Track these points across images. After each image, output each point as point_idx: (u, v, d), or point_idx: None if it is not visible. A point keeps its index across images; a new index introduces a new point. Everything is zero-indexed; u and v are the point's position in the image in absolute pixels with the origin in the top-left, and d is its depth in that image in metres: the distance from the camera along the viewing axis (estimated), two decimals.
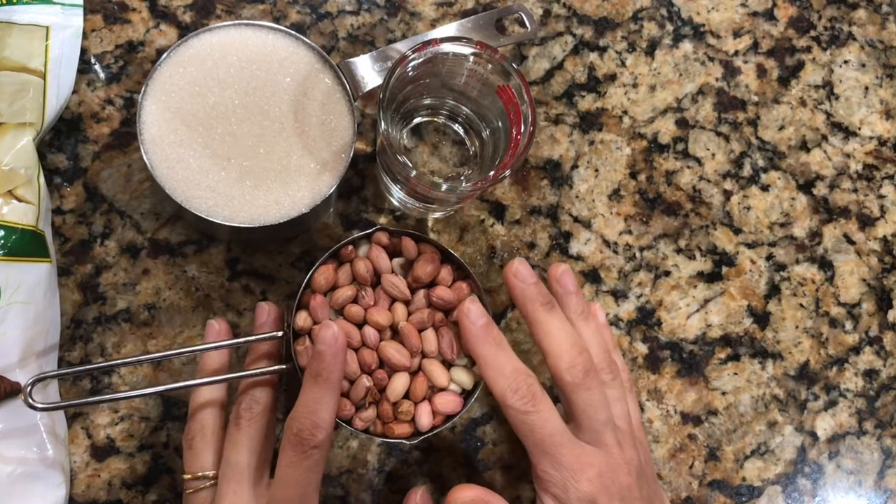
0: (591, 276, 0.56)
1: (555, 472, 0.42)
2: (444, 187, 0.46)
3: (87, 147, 0.53)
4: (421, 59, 0.46)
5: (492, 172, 0.47)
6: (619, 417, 0.45)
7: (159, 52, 0.55)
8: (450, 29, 0.54)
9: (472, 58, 0.47)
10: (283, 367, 0.47)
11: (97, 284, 0.52)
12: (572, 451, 0.43)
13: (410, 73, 0.47)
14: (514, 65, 0.46)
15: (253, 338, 0.48)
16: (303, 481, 0.42)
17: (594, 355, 0.45)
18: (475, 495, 0.43)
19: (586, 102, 0.58)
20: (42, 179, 0.50)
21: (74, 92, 0.53)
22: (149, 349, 0.52)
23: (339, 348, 0.42)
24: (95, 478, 0.50)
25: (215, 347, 0.49)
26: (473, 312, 0.44)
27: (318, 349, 0.42)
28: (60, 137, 0.53)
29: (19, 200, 0.48)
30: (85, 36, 0.54)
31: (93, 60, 0.54)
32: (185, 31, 0.55)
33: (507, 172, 0.45)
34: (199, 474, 0.45)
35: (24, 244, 0.48)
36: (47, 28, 0.52)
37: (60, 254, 0.52)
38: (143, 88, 0.48)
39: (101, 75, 0.54)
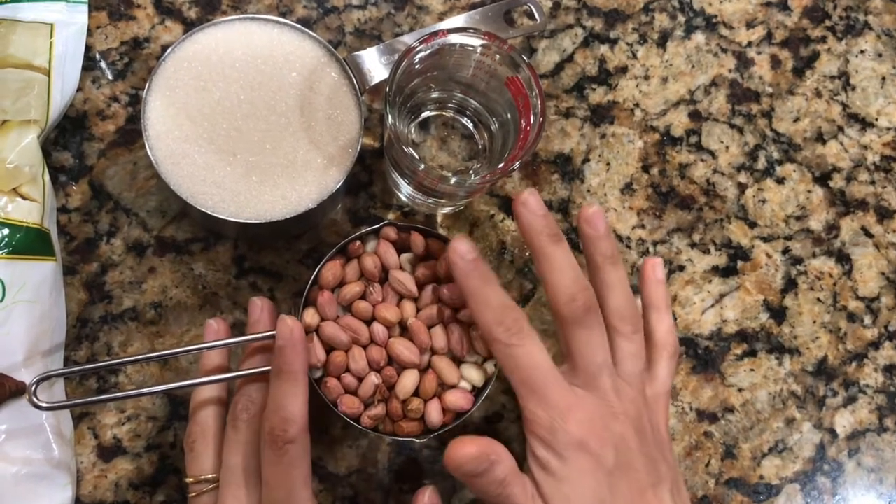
0: None
1: (542, 413, 0.40)
2: (452, 180, 0.45)
3: (92, 145, 0.53)
4: (428, 52, 0.46)
5: (501, 165, 0.46)
6: (627, 372, 0.43)
7: (164, 49, 0.54)
8: (458, 21, 0.53)
9: (480, 49, 0.46)
10: None
11: (103, 283, 0.51)
12: (560, 389, 0.41)
13: (417, 66, 0.47)
14: (522, 55, 0.45)
15: (259, 335, 0.47)
16: (286, 479, 0.41)
17: (616, 301, 0.43)
18: (478, 451, 0.40)
19: (597, 95, 0.57)
20: (47, 177, 0.50)
21: (79, 89, 0.53)
22: (156, 348, 0.51)
23: (296, 340, 0.42)
24: (102, 478, 0.49)
25: (222, 345, 0.49)
26: (462, 247, 0.42)
27: (277, 345, 0.42)
28: (66, 135, 0.53)
29: (24, 198, 0.48)
30: (90, 33, 0.54)
31: (98, 57, 0.54)
32: (190, 26, 0.55)
33: (517, 165, 0.44)
34: (202, 477, 0.44)
35: (29, 242, 0.47)
36: (52, 25, 0.51)
37: (66, 252, 0.51)
38: (147, 84, 0.47)
39: (107, 72, 0.54)
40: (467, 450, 0.40)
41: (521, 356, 0.41)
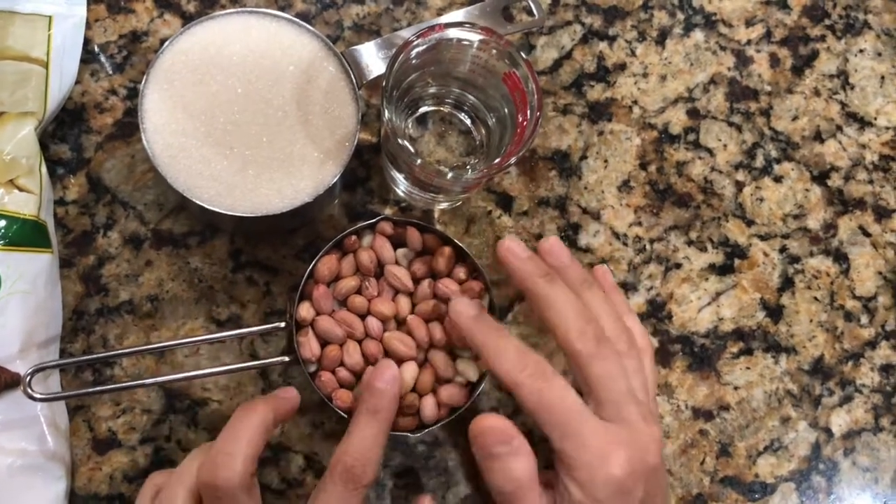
0: None
1: (579, 456, 0.39)
2: (448, 175, 0.45)
3: (90, 137, 0.53)
4: (425, 46, 0.46)
5: (497, 160, 0.46)
6: (638, 390, 0.42)
7: (163, 42, 0.54)
8: (456, 16, 0.53)
9: (477, 44, 0.46)
10: (286, 358, 0.46)
11: (100, 276, 0.51)
12: (596, 430, 0.40)
13: (414, 61, 0.47)
14: (519, 51, 0.45)
15: (255, 329, 0.48)
16: None
17: (605, 325, 0.43)
18: (504, 425, 0.40)
19: (595, 92, 0.57)
20: (44, 169, 0.50)
21: (78, 82, 0.53)
22: (151, 341, 0.51)
23: (398, 390, 0.43)
24: (97, 471, 0.50)
25: (217, 339, 0.49)
26: (462, 305, 0.42)
27: (379, 387, 0.42)
28: (63, 128, 0.53)
29: (20, 190, 0.48)
30: (88, 26, 0.54)
31: (96, 50, 0.54)
32: (189, 20, 0.55)
33: (513, 160, 0.44)
34: None
35: (26, 234, 0.47)
36: (50, 17, 0.51)
37: (63, 245, 0.51)
38: (144, 77, 0.47)
39: (105, 65, 0.54)
40: (492, 421, 0.40)
41: (553, 399, 0.40)
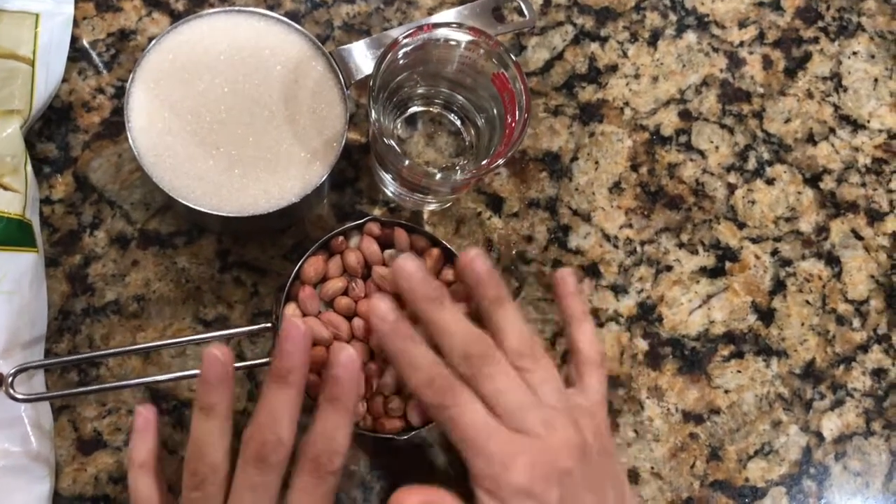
0: (591, 270, 0.55)
1: (485, 467, 0.39)
2: (437, 176, 0.45)
3: (77, 136, 0.53)
4: (412, 46, 0.45)
5: (485, 161, 0.45)
6: (548, 397, 0.42)
7: (151, 41, 0.54)
8: (447, 16, 0.52)
9: (465, 44, 0.46)
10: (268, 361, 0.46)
11: (86, 275, 0.51)
12: (499, 439, 0.40)
13: (402, 61, 0.46)
14: (508, 51, 0.45)
15: (241, 330, 0.47)
16: None
17: (510, 342, 0.42)
18: (421, 500, 0.40)
19: (587, 93, 0.57)
20: (29, 168, 0.49)
21: (65, 80, 0.53)
22: (137, 341, 0.51)
23: (355, 371, 0.41)
24: (82, 472, 0.49)
25: (204, 340, 0.48)
26: (381, 309, 0.41)
27: (335, 373, 0.41)
28: (50, 126, 0.52)
29: (5, 189, 0.47)
30: (76, 24, 0.54)
31: (84, 48, 0.54)
32: (177, 19, 0.54)
33: (501, 161, 0.44)
34: None
35: (10, 233, 0.47)
36: (37, 15, 0.51)
37: (49, 244, 0.51)
38: (131, 76, 0.47)
39: (93, 63, 0.54)
40: (411, 499, 0.40)
41: (456, 415, 0.40)
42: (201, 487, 0.41)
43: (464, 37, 0.46)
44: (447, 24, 0.45)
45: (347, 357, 0.41)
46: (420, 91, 0.51)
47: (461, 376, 0.41)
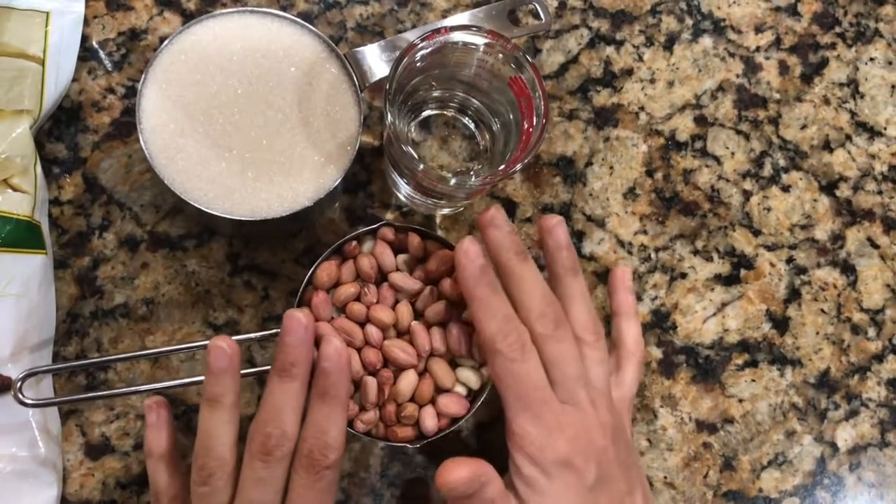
0: (605, 276, 0.54)
1: (533, 429, 0.40)
2: (452, 181, 0.44)
3: (86, 137, 0.52)
4: (429, 49, 0.45)
5: (502, 167, 0.45)
6: (596, 378, 0.43)
7: (162, 41, 0.53)
8: (461, 19, 0.52)
9: (482, 48, 0.45)
10: None
11: (94, 278, 0.51)
12: (552, 408, 0.41)
13: (419, 64, 0.46)
14: (526, 55, 0.44)
15: (253, 335, 0.47)
16: (317, 503, 0.40)
17: (578, 312, 0.44)
18: (471, 473, 0.40)
19: (602, 98, 0.56)
20: (39, 169, 0.49)
21: (75, 80, 0.52)
22: (146, 345, 0.50)
23: (343, 363, 0.41)
24: (89, 477, 0.49)
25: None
26: (472, 251, 0.42)
27: (323, 366, 0.41)
28: (60, 126, 0.52)
29: (14, 190, 0.47)
30: (87, 23, 0.53)
31: (94, 48, 0.53)
32: (189, 18, 0.54)
33: (518, 167, 0.43)
34: None
35: (19, 235, 0.46)
36: (47, 14, 0.50)
37: (57, 246, 0.50)
38: (143, 76, 0.46)
39: (103, 63, 0.53)
40: (460, 472, 0.40)
41: (521, 372, 0.41)
42: (209, 482, 0.41)
43: (481, 40, 0.45)
44: (464, 28, 0.45)
45: (334, 349, 0.41)
46: (435, 94, 0.50)
47: (531, 333, 0.42)
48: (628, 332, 0.49)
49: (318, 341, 0.44)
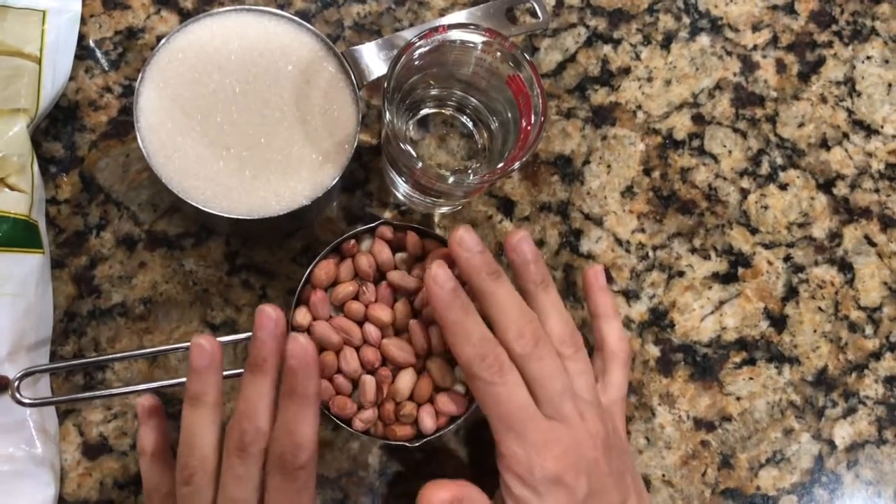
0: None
1: (519, 450, 0.40)
2: (450, 179, 0.44)
3: (83, 136, 0.52)
4: (427, 47, 0.45)
5: (500, 165, 0.45)
6: (582, 389, 0.43)
7: (160, 39, 0.53)
8: (458, 17, 0.52)
9: (480, 46, 0.45)
10: None
11: (92, 277, 0.50)
12: (538, 426, 0.41)
13: (417, 62, 0.46)
14: (524, 53, 0.44)
15: (249, 335, 0.46)
16: None
17: (553, 326, 0.43)
18: (451, 496, 0.40)
19: (599, 96, 0.56)
20: (36, 168, 0.49)
21: (72, 79, 0.52)
22: (144, 344, 0.50)
23: (310, 360, 0.40)
24: (87, 477, 0.48)
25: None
26: (441, 276, 0.41)
27: (289, 364, 0.40)
28: (57, 125, 0.52)
29: (11, 189, 0.47)
30: (83, 21, 0.53)
31: (91, 47, 0.53)
32: (186, 17, 0.54)
33: (517, 165, 0.43)
34: None
35: (16, 234, 0.46)
36: (44, 12, 0.50)
37: (55, 245, 0.50)
38: (140, 75, 0.46)
39: (100, 62, 0.53)
40: (441, 495, 0.40)
41: (502, 394, 0.40)
42: (191, 481, 0.41)
43: (479, 38, 0.45)
44: (462, 26, 0.45)
45: (299, 346, 0.40)
46: (433, 93, 0.50)
47: (511, 353, 0.41)
48: (609, 333, 0.48)
49: (326, 347, 0.44)
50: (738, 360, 0.54)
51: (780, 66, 0.58)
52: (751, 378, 0.54)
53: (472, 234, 0.43)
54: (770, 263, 0.55)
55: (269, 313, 0.41)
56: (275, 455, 0.39)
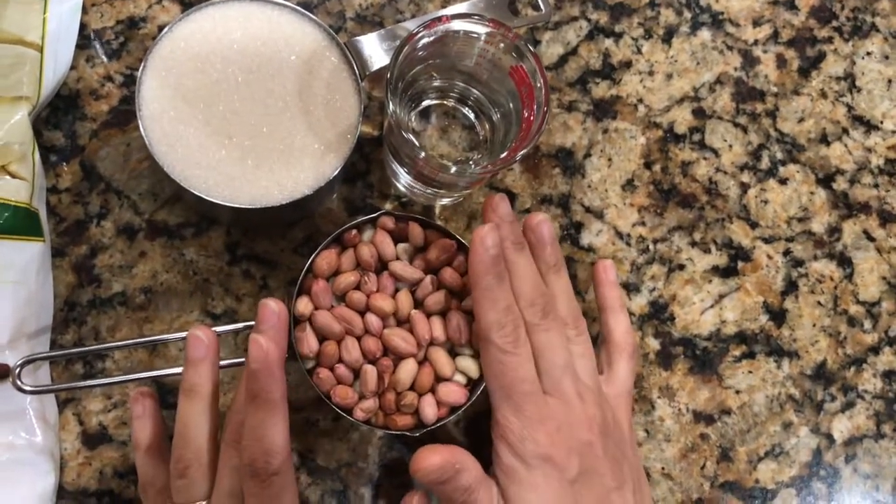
0: None
1: (514, 419, 0.41)
2: (452, 170, 0.44)
3: (84, 125, 0.52)
4: (430, 38, 0.45)
5: (503, 155, 0.45)
6: (582, 372, 0.44)
7: (161, 29, 0.53)
8: (461, 8, 0.52)
9: (484, 37, 0.45)
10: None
11: (92, 266, 0.50)
12: (536, 401, 0.41)
13: (419, 53, 0.46)
14: (528, 44, 0.44)
15: (251, 323, 0.46)
16: None
17: (560, 309, 0.45)
18: (443, 460, 0.40)
19: (600, 89, 0.57)
20: (37, 156, 0.48)
21: (73, 68, 0.52)
22: (144, 333, 0.50)
23: (271, 362, 0.38)
24: (86, 466, 0.48)
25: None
26: (489, 240, 0.42)
27: (250, 368, 0.38)
28: (58, 114, 0.52)
29: (13, 176, 0.47)
30: (85, 10, 0.53)
31: (92, 36, 0.53)
32: (188, 6, 0.54)
33: (519, 156, 0.43)
34: None
35: (17, 222, 0.46)
36: (45, 1, 0.50)
37: (55, 234, 0.50)
38: (142, 64, 0.46)
39: (101, 51, 0.53)
40: (432, 459, 0.40)
41: (510, 364, 0.41)
42: (186, 473, 0.41)
43: (483, 29, 0.45)
44: (465, 16, 0.45)
45: (257, 348, 0.38)
46: (435, 84, 0.50)
47: (525, 323, 0.43)
48: (616, 327, 0.49)
49: (328, 337, 0.44)
50: (737, 353, 0.54)
51: (781, 62, 0.59)
52: (750, 372, 0.54)
53: (506, 204, 0.45)
54: (770, 257, 0.56)
55: (272, 307, 0.41)
56: (245, 463, 0.38)
